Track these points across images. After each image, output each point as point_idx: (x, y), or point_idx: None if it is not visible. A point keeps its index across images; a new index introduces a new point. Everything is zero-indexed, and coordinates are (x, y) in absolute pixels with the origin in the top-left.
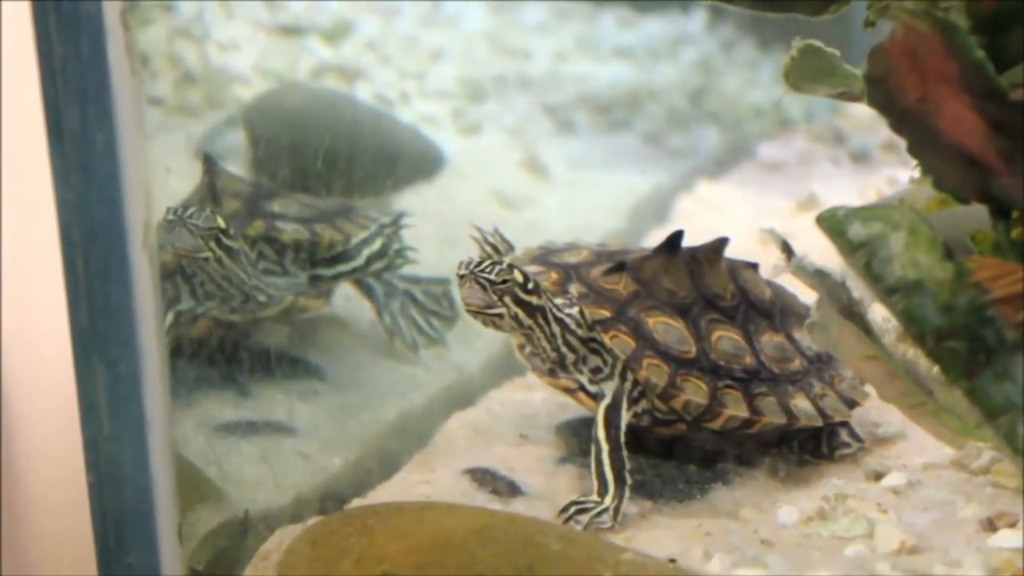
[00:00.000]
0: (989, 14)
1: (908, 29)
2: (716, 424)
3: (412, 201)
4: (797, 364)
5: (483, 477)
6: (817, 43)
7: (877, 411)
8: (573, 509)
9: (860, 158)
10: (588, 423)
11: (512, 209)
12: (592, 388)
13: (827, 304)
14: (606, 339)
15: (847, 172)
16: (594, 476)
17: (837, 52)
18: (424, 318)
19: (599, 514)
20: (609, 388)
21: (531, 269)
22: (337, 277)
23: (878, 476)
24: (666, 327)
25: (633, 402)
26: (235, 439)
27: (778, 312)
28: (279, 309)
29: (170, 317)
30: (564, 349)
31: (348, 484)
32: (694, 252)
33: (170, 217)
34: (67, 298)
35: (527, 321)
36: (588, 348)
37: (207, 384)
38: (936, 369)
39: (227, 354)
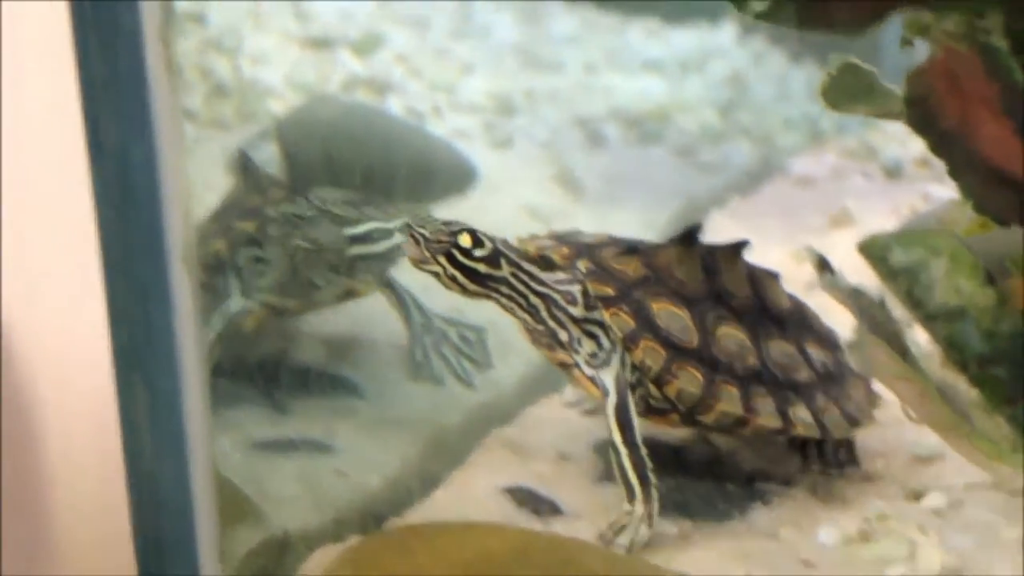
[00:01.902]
0: None
1: (948, 51)
2: (708, 418)
3: (445, 215)
4: (804, 375)
5: (522, 496)
6: (855, 60)
7: (915, 430)
8: (611, 535)
9: (893, 173)
10: None
11: (544, 223)
12: (588, 371)
13: (860, 322)
14: (606, 315)
15: (880, 187)
16: (620, 482)
17: (875, 69)
18: (456, 358)
19: (637, 528)
20: (609, 379)
21: (546, 243)
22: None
23: (918, 496)
24: (670, 314)
25: (631, 388)
26: (274, 457)
27: (794, 324)
28: (334, 293)
29: (219, 321)
30: (552, 324)
31: (387, 503)
32: (712, 248)
33: (307, 212)
34: (108, 316)
35: (472, 287)
36: (582, 330)
37: (245, 401)
38: (973, 392)
39: (265, 371)
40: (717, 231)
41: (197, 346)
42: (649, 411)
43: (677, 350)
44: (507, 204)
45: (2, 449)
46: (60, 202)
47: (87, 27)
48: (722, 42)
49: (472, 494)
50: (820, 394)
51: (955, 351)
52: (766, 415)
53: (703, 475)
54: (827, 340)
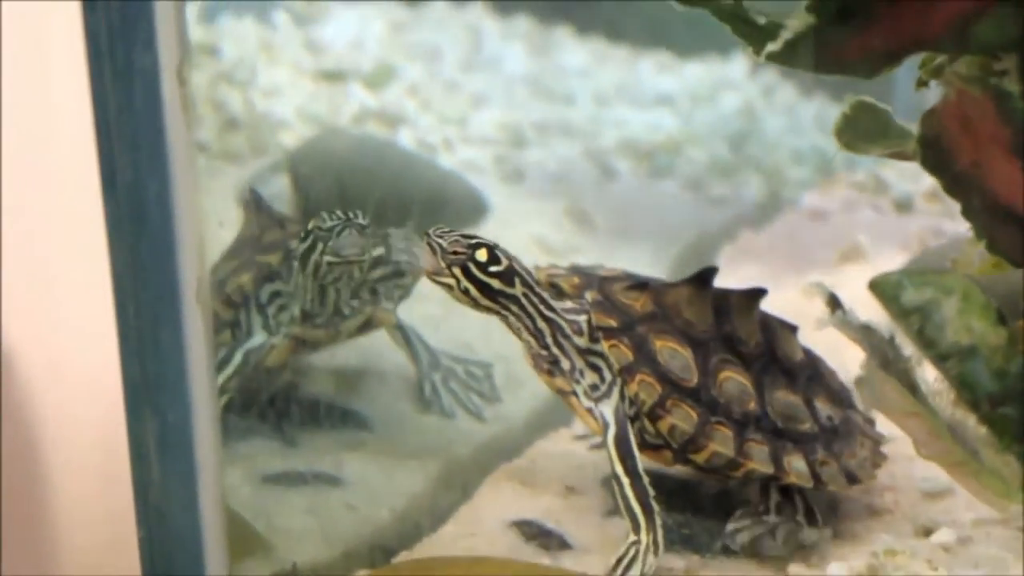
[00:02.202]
0: None
1: (961, 93)
2: (700, 457)
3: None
4: (807, 427)
5: (530, 530)
6: (869, 100)
7: (924, 466)
8: (620, 570)
9: (904, 207)
10: None
11: (555, 256)
12: (586, 403)
13: (871, 359)
14: (605, 346)
15: (890, 221)
16: (624, 513)
17: (889, 108)
18: (464, 393)
19: (644, 559)
20: (609, 411)
21: (558, 272)
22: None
23: (927, 532)
24: (672, 352)
25: (629, 421)
26: (283, 490)
27: (804, 377)
28: (358, 322)
29: (239, 357)
30: (555, 350)
31: (396, 536)
32: (727, 293)
33: (329, 224)
34: (119, 347)
35: (484, 302)
36: (585, 361)
37: (255, 434)
38: (982, 429)
39: (275, 404)
40: (727, 265)
41: (208, 379)
42: (644, 446)
43: (674, 387)
44: (518, 237)
45: (11, 482)
46: (74, 236)
47: (103, 64)
48: (733, 75)
49: (481, 528)
50: (820, 447)
51: (966, 390)
52: (759, 460)
53: (711, 509)
54: (839, 397)
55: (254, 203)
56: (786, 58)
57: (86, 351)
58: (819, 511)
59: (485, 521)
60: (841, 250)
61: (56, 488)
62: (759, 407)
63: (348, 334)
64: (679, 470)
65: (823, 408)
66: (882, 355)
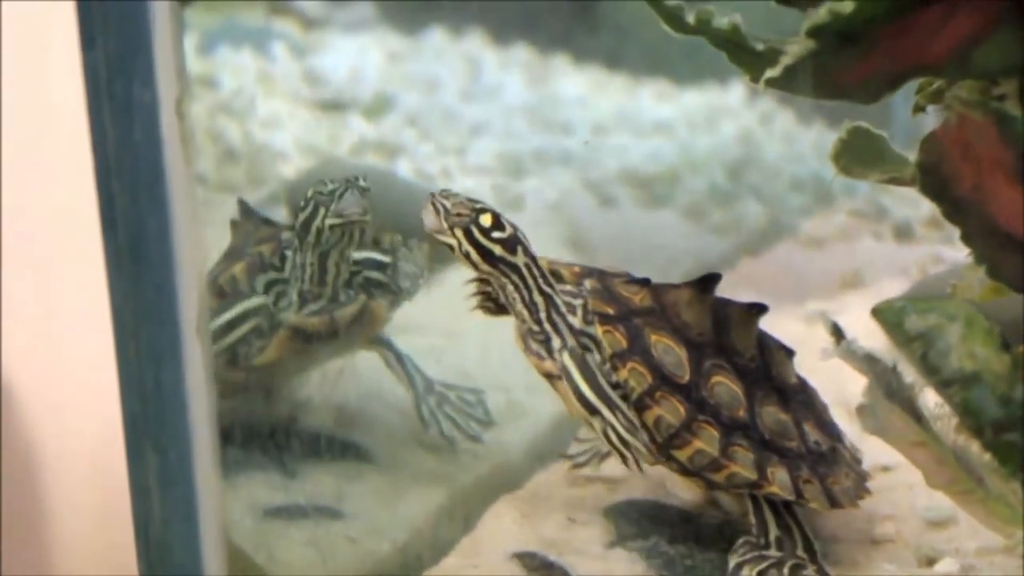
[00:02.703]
0: None
1: (962, 118)
2: (683, 454)
3: (456, 278)
4: (793, 445)
5: (532, 562)
6: (865, 125)
7: (927, 494)
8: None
9: (903, 233)
10: (637, 506)
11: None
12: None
13: (876, 388)
14: (599, 331)
15: (890, 248)
16: (611, 447)
17: (885, 134)
18: (460, 418)
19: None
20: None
21: (559, 261)
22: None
23: (931, 561)
24: (666, 348)
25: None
26: (283, 523)
27: (796, 401)
28: (354, 310)
29: (236, 312)
30: (547, 326)
31: (398, 569)
32: (728, 303)
33: (330, 187)
34: (119, 383)
35: (484, 267)
36: (577, 342)
37: (255, 467)
38: (987, 456)
39: (275, 437)
40: (727, 293)
41: (209, 414)
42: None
43: (664, 380)
44: None
45: (12, 515)
46: (74, 270)
47: (101, 99)
48: (731, 102)
49: (483, 560)
50: (805, 466)
51: (970, 417)
52: (742, 464)
53: (713, 540)
54: (828, 428)
55: (243, 212)
56: (785, 84)
57: (87, 386)
58: (818, 543)
59: (487, 553)
60: (841, 277)
61: (57, 522)
62: (748, 416)
63: (344, 325)
64: (682, 500)
65: (811, 433)
66: (886, 384)
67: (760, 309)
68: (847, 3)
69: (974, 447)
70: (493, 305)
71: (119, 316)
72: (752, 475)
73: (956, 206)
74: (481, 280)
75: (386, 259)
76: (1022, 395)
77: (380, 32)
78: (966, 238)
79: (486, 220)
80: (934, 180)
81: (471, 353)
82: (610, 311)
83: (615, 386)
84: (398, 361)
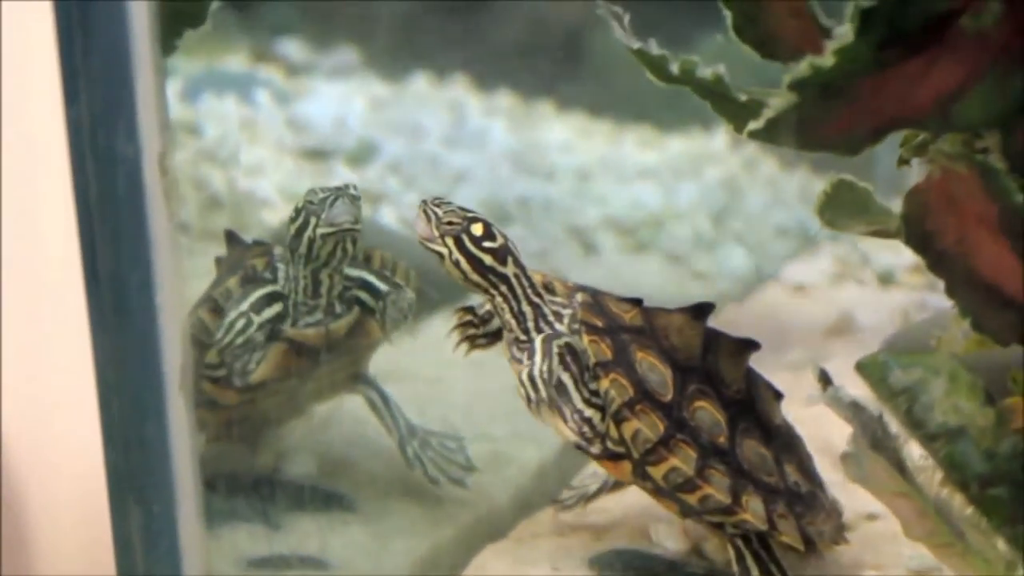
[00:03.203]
0: None
1: (946, 171)
2: (659, 471)
3: (441, 326)
4: (772, 480)
5: None
6: (850, 178)
7: (911, 545)
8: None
9: (886, 280)
10: (622, 555)
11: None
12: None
13: (861, 437)
14: (585, 340)
15: (874, 294)
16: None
17: (870, 187)
18: (443, 462)
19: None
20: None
21: (553, 277)
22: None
23: None
24: (651, 366)
25: (590, 425)
26: (268, 575)
27: (779, 440)
28: (349, 322)
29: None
30: (534, 335)
31: None
32: (719, 335)
33: (321, 196)
34: (102, 437)
35: (474, 276)
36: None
37: (238, 518)
38: (969, 511)
39: (258, 487)
40: None
41: (192, 468)
42: (604, 456)
43: (646, 395)
44: None
45: None
46: (57, 324)
47: (84, 153)
48: (715, 148)
49: None
50: (782, 502)
51: (955, 471)
52: (717, 487)
53: None
54: (809, 473)
55: (230, 240)
56: (768, 136)
57: (71, 440)
58: None
59: None
60: (825, 324)
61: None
62: (728, 444)
63: (338, 338)
64: (666, 550)
65: (792, 474)
66: (872, 433)
67: (752, 345)
68: (828, 57)
69: (956, 501)
70: (482, 338)
71: (102, 370)
72: (726, 499)
73: (940, 259)
74: (463, 311)
75: (379, 285)
76: (1007, 449)
77: (364, 78)
78: (951, 291)
79: (477, 229)
80: (918, 233)
81: (456, 401)
82: (598, 323)
83: (594, 393)
84: (383, 402)
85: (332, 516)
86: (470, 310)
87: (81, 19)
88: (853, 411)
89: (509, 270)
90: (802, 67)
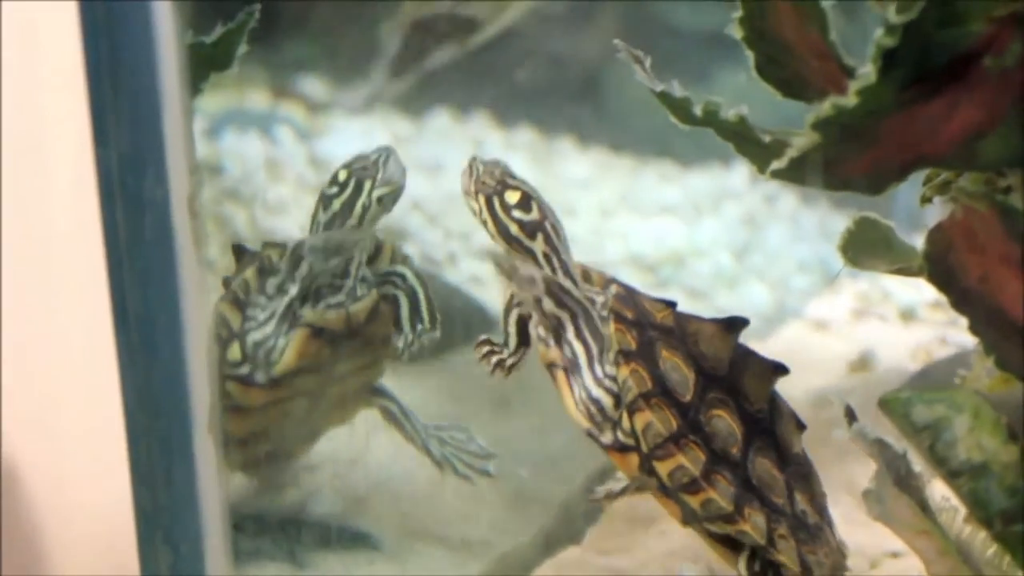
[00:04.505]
0: None
1: (967, 210)
2: (665, 467)
3: (461, 363)
4: (780, 502)
5: None
6: (872, 216)
7: None
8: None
9: (908, 316)
10: None
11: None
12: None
13: (884, 475)
14: (611, 328)
15: (896, 330)
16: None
17: (892, 224)
18: (464, 454)
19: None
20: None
21: (593, 272)
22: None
23: None
24: (675, 366)
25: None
26: None
27: (794, 469)
28: (368, 304)
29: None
30: (561, 311)
31: None
32: (750, 353)
33: (372, 158)
34: (131, 479)
35: (499, 240)
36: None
37: (264, 557)
38: (992, 549)
39: (284, 526)
40: None
41: (220, 509)
42: (614, 445)
43: (664, 392)
44: None
45: None
46: (87, 367)
47: (114, 195)
48: (735, 184)
49: None
50: (786, 524)
51: (979, 508)
52: (721, 493)
53: None
54: (819, 508)
55: (238, 253)
56: (791, 176)
57: (97, 481)
58: None
59: None
60: (848, 360)
61: None
62: (740, 457)
63: (358, 323)
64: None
65: (801, 503)
66: (896, 471)
67: (781, 369)
68: (851, 97)
69: (979, 538)
70: (511, 358)
71: (131, 410)
72: (728, 506)
73: (964, 297)
74: (482, 343)
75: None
76: None
77: (385, 114)
78: (974, 328)
79: (512, 197)
80: (941, 271)
81: (483, 419)
82: (628, 314)
83: (609, 378)
84: (400, 410)
85: (358, 555)
86: (487, 341)
87: (110, 62)
88: (878, 448)
89: (537, 247)
90: (825, 107)
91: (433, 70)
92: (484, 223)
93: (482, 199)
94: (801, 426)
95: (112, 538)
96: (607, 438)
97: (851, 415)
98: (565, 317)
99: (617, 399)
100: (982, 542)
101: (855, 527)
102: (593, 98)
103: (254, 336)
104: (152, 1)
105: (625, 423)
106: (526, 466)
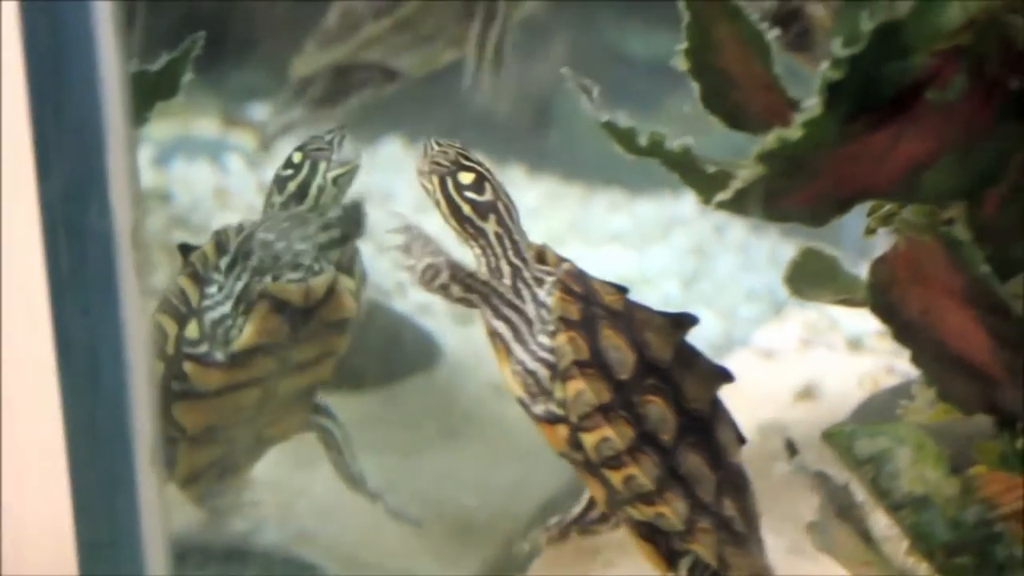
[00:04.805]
0: (991, 224)
1: (911, 241)
2: (591, 438)
3: (409, 392)
4: (706, 499)
5: None
6: (818, 248)
7: None
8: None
9: (855, 344)
10: None
11: (510, 402)
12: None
13: (827, 507)
14: (555, 297)
15: (843, 359)
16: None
17: (838, 255)
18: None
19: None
20: None
21: (550, 253)
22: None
23: None
24: (616, 346)
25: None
26: None
27: (729, 476)
28: (327, 280)
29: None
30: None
31: None
32: (698, 354)
33: (326, 138)
34: (72, 511)
35: (452, 221)
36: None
37: None
38: None
39: (230, 557)
40: None
41: (162, 539)
42: (544, 417)
43: (601, 365)
44: (473, 381)
45: None
46: (27, 399)
47: (56, 228)
48: (684, 212)
49: None
50: (709, 520)
51: (921, 540)
52: (645, 470)
53: None
54: (749, 520)
55: (185, 251)
56: (736, 207)
57: (39, 512)
58: None
59: None
60: (795, 389)
61: None
62: (671, 445)
63: (316, 300)
64: None
65: (730, 508)
66: (838, 503)
67: (726, 376)
68: (796, 129)
69: (922, 570)
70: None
71: (73, 443)
72: (650, 484)
73: (906, 328)
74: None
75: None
76: (972, 518)
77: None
78: (916, 360)
79: (465, 178)
80: (884, 302)
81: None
82: (575, 288)
83: (545, 349)
84: (342, 437)
85: None
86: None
87: (54, 94)
88: (819, 480)
89: (489, 227)
90: (770, 139)
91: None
92: (437, 203)
93: (436, 179)
94: (741, 440)
95: (55, 568)
96: (539, 409)
97: (792, 448)
98: (476, 299)
99: (554, 370)
100: (927, 571)
101: (801, 558)
102: (543, 127)
103: (212, 314)
104: (96, 32)
105: (559, 392)
106: (473, 497)
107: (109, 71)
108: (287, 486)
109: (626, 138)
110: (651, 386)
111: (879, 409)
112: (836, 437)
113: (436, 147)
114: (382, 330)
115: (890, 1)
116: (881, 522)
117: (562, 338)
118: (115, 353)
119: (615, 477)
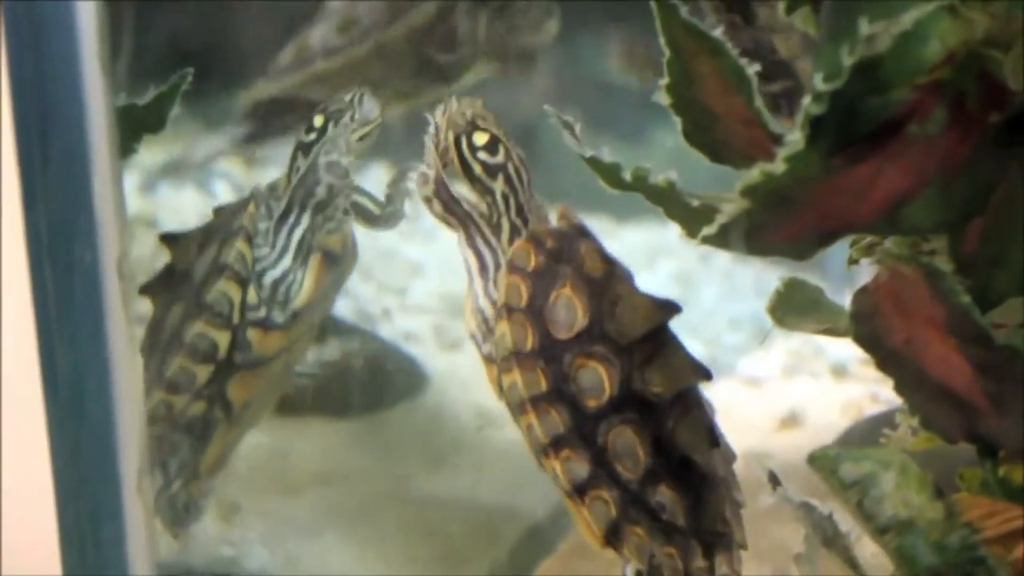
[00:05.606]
0: (972, 256)
1: (893, 272)
2: (506, 380)
3: (398, 419)
4: (626, 477)
5: None
6: (802, 278)
7: None
8: None
9: (839, 372)
10: None
11: (496, 428)
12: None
13: (813, 536)
14: (516, 243)
15: (827, 387)
16: None
17: (821, 285)
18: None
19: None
20: None
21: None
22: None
23: None
24: (569, 306)
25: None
26: None
27: (695, 478)
28: (344, 235)
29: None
30: (505, 247)
31: None
32: (678, 346)
33: (347, 98)
34: (59, 542)
35: (464, 179)
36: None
37: None
38: None
39: None
40: None
41: (149, 568)
42: (488, 357)
43: (536, 315)
44: (459, 407)
45: None
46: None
47: (42, 259)
48: (670, 240)
49: None
50: (614, 493)
51: (905, 564)
52: (544, 424)
53: None
54: (703, 522)
55: (170, 240)
56: (720, 241)
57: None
58: None
59: None
60: (780, 417)
61: None
62: (595, 412)
63: (348, 248)
64: None
65: (665, 498)
66: (823, 532)
67: (704, 374)
68: (779, 164)
69: None
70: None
71: (59, 472)
72: (543, 438)
73: (889, 358)
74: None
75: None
76: (956, 542)
77: None
78: (899, 389)
79: (479, 138)
80: (867, 332)
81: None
82: (547, 243)
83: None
84: None
85: None
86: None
87: (40, 126)
88: (804, 510)
89: (498, 186)
90: (753, 174)
91: None
92: (451, 160)
93: (451, 136)
94: (713, 442)
95: None
96: (486, 348)
97: (774, 480)
98: (454, 223)
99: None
100: None
101: None
102: (528, 154)
103: (272, 274)
104: (82, 65)
105: (494, 327)
106: (459, 522)
107: (95, 106)
108: (273, 512)
109: (610, 173)
110: (596, 353)
111: (863, 437)
112: (821, 461)
113: (456, 104)
114: (368, 357)
115: (870, 36)
116: (867, 551)
117: (506, 280)
118: (101, 384)
119: (520, 423)
